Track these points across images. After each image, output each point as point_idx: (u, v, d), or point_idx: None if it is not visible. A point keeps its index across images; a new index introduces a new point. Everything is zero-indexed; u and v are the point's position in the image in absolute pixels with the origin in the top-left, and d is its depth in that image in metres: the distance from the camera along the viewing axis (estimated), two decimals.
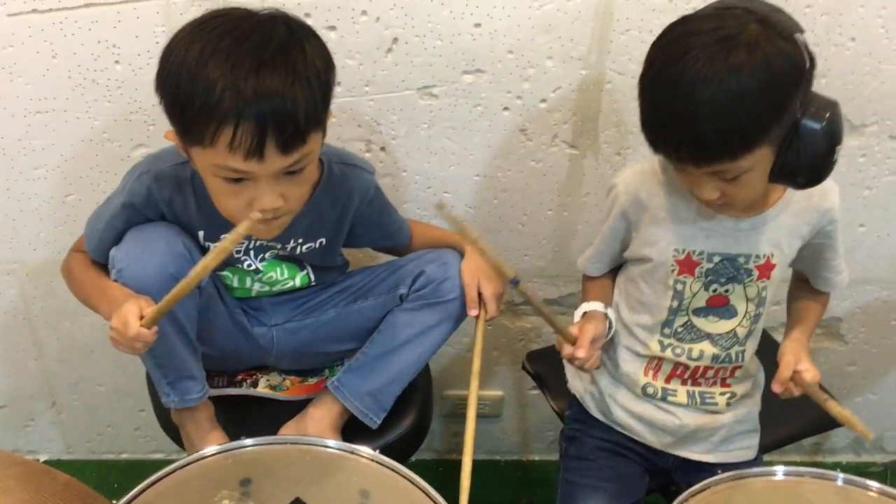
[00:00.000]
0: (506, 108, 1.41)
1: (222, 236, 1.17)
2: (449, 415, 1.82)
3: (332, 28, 1.31)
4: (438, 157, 1.46)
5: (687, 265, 1.16)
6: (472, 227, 0.99)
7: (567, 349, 1.17)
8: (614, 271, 1.30)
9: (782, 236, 1.15)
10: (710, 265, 1.16)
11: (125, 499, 0.99)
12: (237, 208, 1.07)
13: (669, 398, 1.24)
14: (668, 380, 1.24)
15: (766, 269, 1.16)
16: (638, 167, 1.20)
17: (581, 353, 1.15)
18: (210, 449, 1.06)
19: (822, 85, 1.39)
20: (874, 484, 1.09)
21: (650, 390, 1.24)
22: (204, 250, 1.19)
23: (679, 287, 1.18)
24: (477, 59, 1.36)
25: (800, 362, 1.15)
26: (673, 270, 1.17)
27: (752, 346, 1.23)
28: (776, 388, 1.15)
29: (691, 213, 1.15)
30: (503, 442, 1.91)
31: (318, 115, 1.04)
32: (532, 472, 1.92)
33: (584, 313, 1.22)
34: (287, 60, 1.00)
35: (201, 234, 1.18)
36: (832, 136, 1.01)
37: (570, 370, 1.38)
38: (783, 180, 1.05)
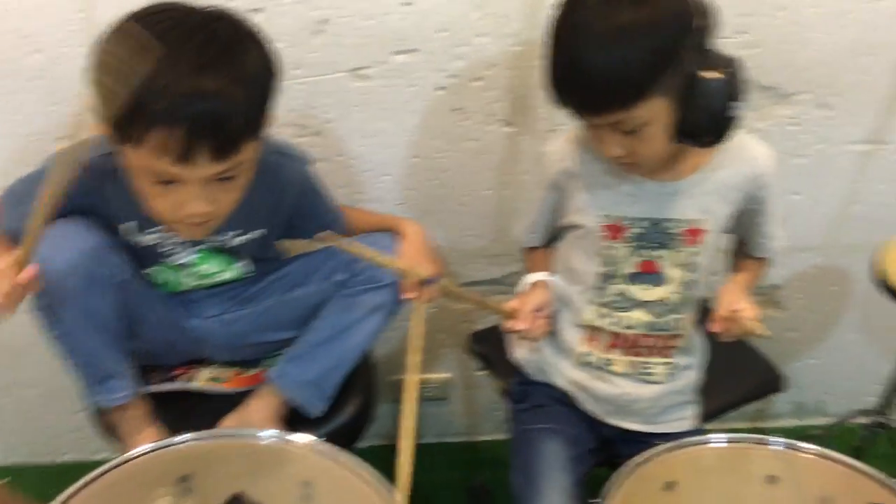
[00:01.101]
0: (440, 88, 1.39)
1: (149, 231, 1.14)
2: (396, 400, 1.79)
3: (258, 10, 1.28)
4: (374, 140, 1.44)
5: (614, 231, 1.17)
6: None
7: (508, 323, 1.18)
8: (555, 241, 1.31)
9: (711, 202, 1.16)
10: (638, 230, 1.16)
11: (58, 500, 0.96)
12: (165, 210, 1.04)
13: (608, 367, 1.25)
14: (607, 350, 1.24)
15: (695, 234, 1.17)
16: (566, 135, 1.21)
17: (521, 325, 1.16)
18: (141, 448, 1.03)
19: (754, 55, 1.41)
20: (811, 447, 1.12)
21: (589, 359, 1.25)
22: (131, 245, 1.15)
23: (608, 253, 1.18)
24: (408, 39, 1.34)
25: (737, 301, 1.15)
26: (602, 236, 1.18)
27: (689, 314, 1.24)
28: (713, 326, 1.15)
29: (617, 179, 1.16)
30: (452, 424, 1.91)
31: (255, 123, 1.01)
32: (482, 452, 1.93)
33: (530, 283, 1.24)
34: (229, 64, 0.96)
35: (128, 226, 1.14)
36: (730, 91, 1.02)
37: (513, 340, 1.37)
38: (687, 139, 1.06)
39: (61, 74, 1.30)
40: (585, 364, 1.26)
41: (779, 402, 1.97)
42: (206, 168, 0.98)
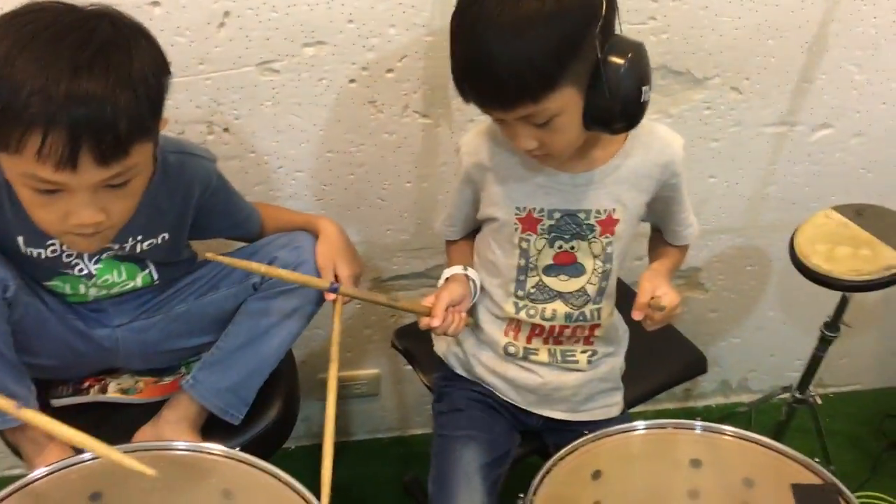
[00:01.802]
0: (352, 81, 1.36)
1: (47, 242, 1.08)
2: (326, 399, 1.78)
3: (157, 4, 1.23)
4: (287, 136, 1.40)
5: (529, 223, 1.16)
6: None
7: (423, 321, 1.16)
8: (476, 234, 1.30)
9: (623, 191, 1.16)
10: (552, 222, 1.16)
11: None
12: (51, 221, 0.99)
13: (531, 357, 1.24)
14: (528, 339, 1.24)
15: (609, 224, 1.17)
16: (478, 128, 1.19)
17: (435, 322, 1.15)
18: (44, 469, 0.98)
19: (664, 40, 1.41)
20: (729, 428, 1.13)
21: (511, 350, 1.24)
22: (25, 258, 1.10)
23: (524, 245, 1.18)
24: (317, 31, 1.30)
25: (657, 288, 1.13)
26: (517, 229, 1.17)
27: (607, 303, 1.24)
28: (635, 314, 1.14)
29: (530, 171, 1.15)
30: (383, 419, 1.89)
31: (143, 124, 0.95)
32: (414, 446, 1.91)
33: (447, 278, 1.22)
34: (108, 63, 0.91)
35: (21, 239, 1.08)
36: (638, 75, 1.01)
37: (438, 339, 1.36)
38: (597, 126, 1.05)
39: None
40: (508, 355, 1.25)
41: (705, 381, 2.00)
42: (91, 174, 0.93)
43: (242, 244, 1.31)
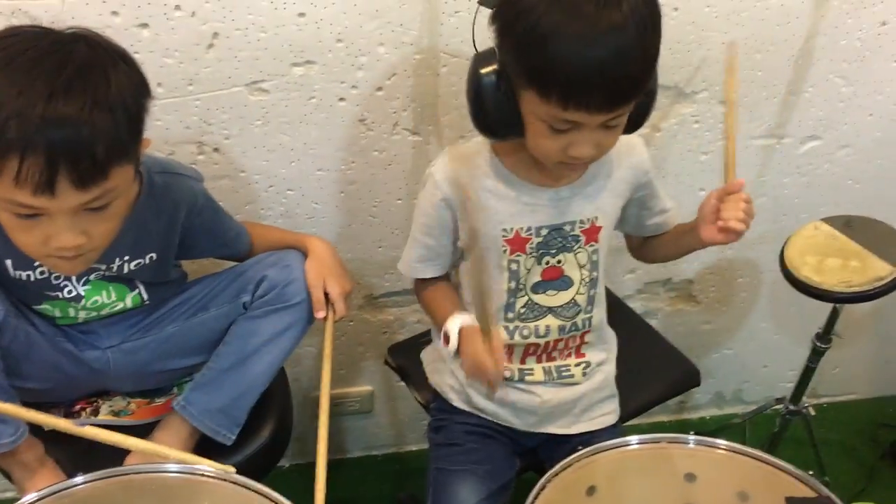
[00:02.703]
0: (342, 99, 1.36)
1: (35, 265, 1.08)
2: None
3: (145, 26, 1.23)
4: (277, 155, 1.40)
5: (517, 243, 1.16)
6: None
7: (479, 359, 1.08)
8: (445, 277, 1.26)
9: (603, 198, 1.18)
10: (539, 239, 1.16)
11: None
12: (33, 245, 0.99)
13: (527, 378, 1.24)
14: (522, 360, 1.24)
15: (593, 232, 1.18)
16: (454, 151, 1.18)
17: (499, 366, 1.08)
18: (35, 494, 0.97)
19: None
20: (722, 442, 1.13)
21: (507, 374, 1.23)
22: (13, 282, 1.10)
23: (514, 267, 1.17)
24: (305, 50, 1.30)
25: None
26: (505, 251, 1.16)
27: (598, 311, 1.24)
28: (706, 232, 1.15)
29: (513, 191, 1.14)
30: (378, 436, 1.88)
31: (122, 147, 0.95)
32: (409, 463, 1.91)
33: (461, 329, 1.14)
34: (85, 86, 0.91)
35: (9, 262, 1.08)
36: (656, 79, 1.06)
37: (428, 366, 1.36)
38: (628, 127, 1.07)
39: None
40: (504, 380, 1.24)
41: (699, 393, 2.00)
42: (70, 198, 0.93)
43: (232, 263, 1.31)
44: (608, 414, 1.30)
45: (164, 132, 1.32)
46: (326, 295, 1.21)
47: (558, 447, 1.25)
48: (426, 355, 1.37)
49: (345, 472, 1.86)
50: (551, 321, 1.21)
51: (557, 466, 1.09)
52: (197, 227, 1.20)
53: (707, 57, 1.45)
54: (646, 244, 1.33)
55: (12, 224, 0.98)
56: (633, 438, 1.13)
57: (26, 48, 0.92)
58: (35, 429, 1.17)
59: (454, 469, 1.25)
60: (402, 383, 1.77)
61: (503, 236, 1.15)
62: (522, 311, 1.20)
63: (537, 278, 1.19)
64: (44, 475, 1.16)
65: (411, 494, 1.80)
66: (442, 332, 1.16)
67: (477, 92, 1.04)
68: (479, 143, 1.17)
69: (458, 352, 1.14)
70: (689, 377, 1.50)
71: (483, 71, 1.03)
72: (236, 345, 1.21)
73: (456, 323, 1.14)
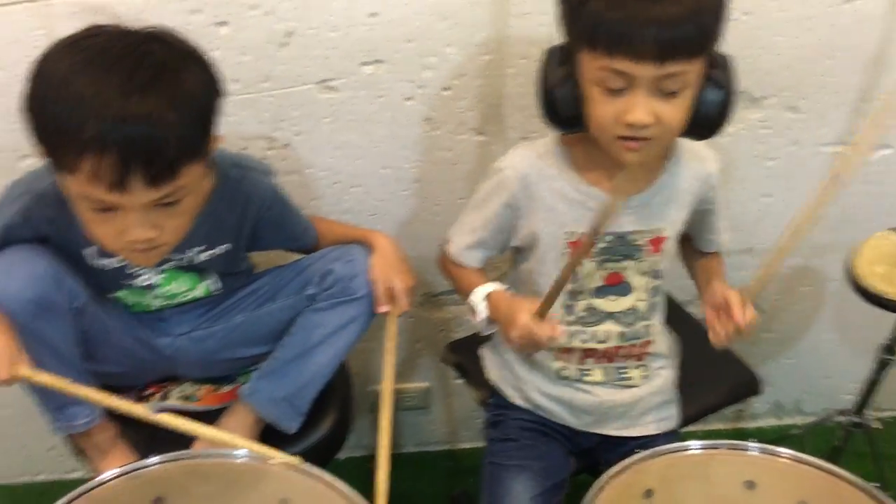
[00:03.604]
0: (409, 98, 1.38)
1: (114, 256, 1.12)
2: (376, 410, 1.80)
3: (223, 24, 1.26)
4: (343, 152, 1.43)
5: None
6: None
7: (533, 326, 1.08)
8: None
9: (669, 209, 1.17)
10: (603, 245, 1.16)
11: None
12: (108, 237, 1.03)
13: (585, 378, 1.25)
14: (581, 360, 1.24)
15: (658, 242, 1.18)
16: (524, 149, 1.18)
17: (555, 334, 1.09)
18: (111, 472, 1.02)
19: None
20: (784, 450, 1.11)
21: (565, 373, 1.24)
22: (92, 269, 1.14)
23: (575, 270, 1.17)
24: (375, 50, 1.33)
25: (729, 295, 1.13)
26: (566, 254, 1.16)
27: (657, 319, 1.24)
28: (716, 337, 1.14)
29: (581, 195, 1.15)
30: (432, 433, 1.90)
31: (192, 146, 0.98)
32: (463, 460, 1.92)
33: (489, 294, 1.17)
34: (159, 87, 0.94)
35: (89, 251, 1.12)
36: (735, 81, 1.05)
37: (488, 361, 1.37)
38: (693, 125, 1.06)
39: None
40: (562, 378, 1.25)
41: (757, 402, 1.97)
42: (141, 195, 0.97)
43: (299, 256, 1.34)
44: (667, 419, 1.30)
45: (238, 127, 1.35)
46: (390, 290, 1.23)
47: (615, 449, 1.25)
48: (485, 351, 1.38)
49: (399, 467, 1.86)
50: (611, 327, 1.21)
51: (616, 468, 1.09)
52: (267, 220, 1.23)
53: (777, 62, 1.43)
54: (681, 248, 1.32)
55: (90, 217, 1.02)
56: (693, 443, 1.12)
57: (105, 48, 0.96)
58: (108, 411, 1.22)
59: (509, 464, 1.26)
60: (458, 381, 1.79)
61: (566, 239, 1.16)
62: (583, 314, 1.20)
63: (599, 283, 1.19)
64: (116, 456, 1.21)
65: (465, 491, 1.82)
66: (469, 305, 1.19)
67: (543, 78, 1.06)
68: (548, 144, 1.17)
69: (490, 321, 1.17)
70: (749, 385, 1.48)
71: (548, 57, 1.06)
72: (301, 336, 1.24)
73: (482, 292, 1.17)
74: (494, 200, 1.18)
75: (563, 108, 1.06)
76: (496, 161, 1.20)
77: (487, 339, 1.39)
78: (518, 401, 1.30)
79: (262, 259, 1.38)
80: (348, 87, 1.36)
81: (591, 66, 1.00)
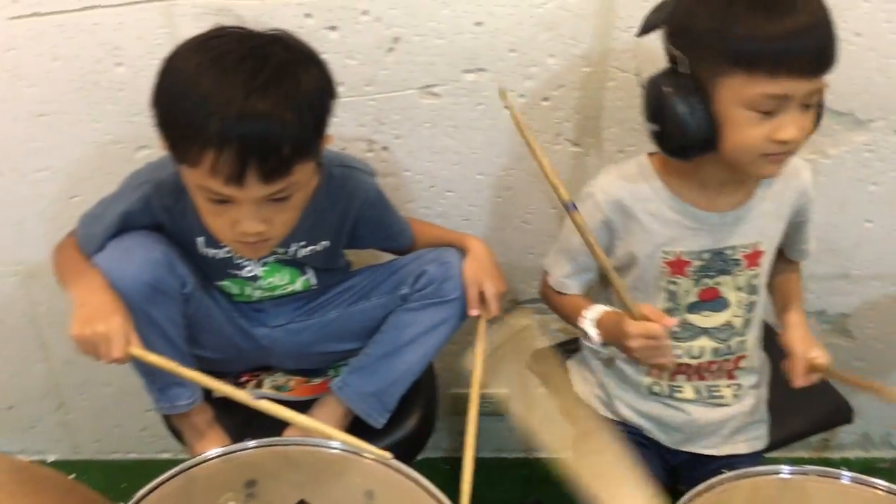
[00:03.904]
0: (507, 107, 1.40)
1: (222, 244, 1.17)
2: (455, 413, 1.82)
3: (334, 28, 1.31)
4: (441, 157, 1.46)
5: (677, 266, 1.16)
6: (531, 132, 0.99)
7: (642, 325, 1.07)
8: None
9: (767, 222, 1.17)
10: (701, 262, 1.15)
11: (132, 501, 1.00)
12: (221, 227, 1.08)
13: (676, 395, 1.24)
14: (672, 377, 1.23)
15: (755, 257, 1.17)
16: (615, 172, 1.18)
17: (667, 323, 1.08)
18: (214, 451, 1.07)
19: (829, 79, 1.38)
20: (882, 482, 1.08)
21: (656, 389, 1.24)
22: (202, 258, 1.19)
23: (672, 288, 1.17)
24: (478, 58, 1.35)
25: (810, 349, 1.17)
26: (663, 272, 1.16)
27: (752, 335, 1.22)
28: (798, 382, 1.16)
29: (677, 214, 1.14)
30: (509, 440, 1.91)
31: (306, 145, 1.02)
32: (538, 470, 1.90)
33: (597, 319, 1.17)
34: (279, 87, 0.99)
35: (201, 240, 1.18)
36: None
37: (575, 375, 1.37)
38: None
39: (143, 87, 1.32)
40: (652, 394, 1.25)
41: (845, 432, 1.91)
42: (256, 190, 1.01)
43: (392, 256, 1.37)
44: (757, 439, 1.28)
45: (340, 129, 1.39)
46: (481, 294, 1.25)
47: (700, 467, 1.24)
48: (572, 365, 1.39)
49: (475, 471, 1.89)
50: (705, 342, 1.20)
51: (701, 486, 1.08)
52: (367, 219, 1.27)
53: (886, 85, 1.40)
54: None
55: (206, 207, 1.07)
56: (784, 468, 1.11)
57: (231, 49, 1.01)
58: (205, 395, 1.27)
59: None
60: (539, 389, 1.80)
61: (663, 259, 1.15)
62: (676, 330, 1.20)
63: (694, 299, 1.18)
64: (211, 438, 1.26)
65: (539, 500, 1.82)
66: (580, 329, 1.19)
67: (664, 111, 1.04)
68: (639, 164, 1.17)
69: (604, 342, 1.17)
70: (840, 413, 1.44)
71: (669, 88, 1.03)
72: (393, 334, 1.27)
73: (591, 317, 1.17)
74: (589, 223, 1.17)
75: (696, 138, 1.04)
76: (586, 186, 1.20)
77: (574, 351, 1.39)
78: (607, 414, 1.30)
79: (356, 258, 1.42)
80: (450, 94, 1.38)
81: (745, 91, 0.99)
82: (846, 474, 1.10)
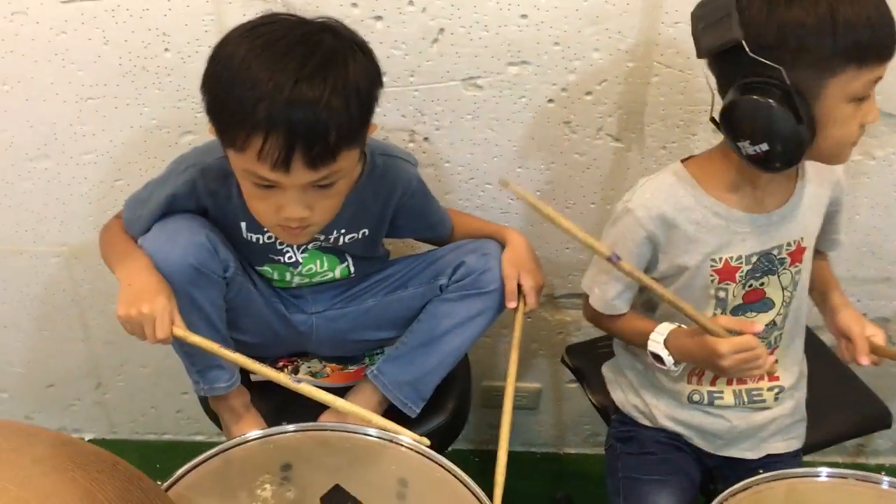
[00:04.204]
0: (550, 101, 1.40)
1: (265, 229, 1.18)
2: (486, 405, 1.83)
3: (379, 18, 1.31)
4: (482, 149, 1.46)
5: (726, 272, 1.14)
6: (545, 204, 0.93)
7: (734, 342, 1.05)
8: None
9: (808, 217, 1.16)
10: (749, 266, 1.14)
11: (170, 480, 1.02)
12: (265, 212, 1.09)
13: (716, 402, 1.22)
14: (713, 382, 1.22)
15: (798, 253, 1.16)
16: (653, 185, 1.14)
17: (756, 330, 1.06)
18: (252, 434, 1.08)
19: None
20: None
21: (696, 397, 1.22)
22: (245, 242, 1.21)
23: (721, 295, 1.15)
24: (523, 51, 1.35)
25: (866, 329, 1.17)
26: (713, 280, 1.14)
27: (789, 327, 1.21)
28: (865, 361, 1.16)
29: (723, 221, 1.12)
30: (539, 434, 1.91)
31: (352, 133, 1.03)
32: (567, 465, 1.92)
33: (667, 340, 1.13)
34: (326, 76, 0.99)
35: (244, 225, 1.19)
36: None
37: (610, 382, 1.35)
38: None
39: (189, 72, 1.36)
40: (692, 402, 1.23)
41: (881, 438, 1.89)
42: (302, 175, 1.02)
43: (432, 247, 1.38)
44: (794, 438, 1.27)
45: (382, 118, 1.40)
46: (519, 287, 1.25)
47: (738, 467, 1.23)
48: (607, 372, 1.36)
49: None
50: None
51: (737, 486, 1.07)
52: (408, 208, 1.27)
53: None
54: None
55: (251, 192, 1.08)
56: (822, 470, 1.10)
57: (281, 36, 1.02)
58: (243, 379, 1.29)
59: (650, 479, 1.24)
60: (571, 385, 1.80)
61: (712, 266, 1.13)
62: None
63: (739, 301, 1.17)
64: (248, 421, 1.27)
65: (567, 496, 1.82)
66: (649, 354, 1.15)
67: (777, 130, 0.98)
68: (675, 174, 1.14)
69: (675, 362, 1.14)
70: (879, 418, 1.42)
71: (777, 106, 0.97)
72: (430, 324, 1.27)
73: (659, 338, 1.13)
74: (631, 241, 1.14)
75: (805, 146, 1.00)
76: (621, 202, 1.16)
77: (608, 348, 1.38)
78: (645, 422, 1.28)
79: (394, 248, 1.43)
80: (493, 87, 1.38)
81: (856, 82, 0.98)
82: (885, 479, 1.08)
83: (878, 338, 1.16)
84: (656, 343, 1.14)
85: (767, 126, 0.98)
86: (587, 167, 1.48)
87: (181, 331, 1.08)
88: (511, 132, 1.44)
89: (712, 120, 1.08)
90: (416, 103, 1.40)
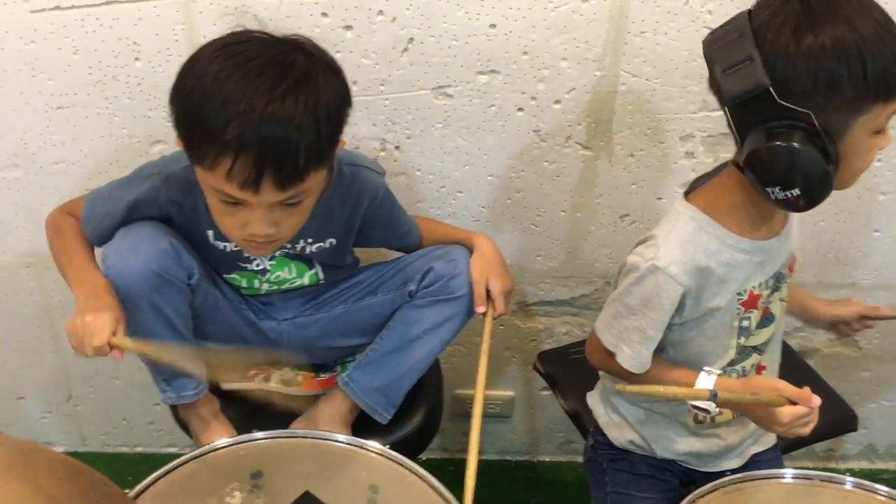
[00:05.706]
0: (520, 109, 1.42)
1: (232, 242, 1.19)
2: (459, 414, 1.83)
3: (349, 28, 1.32)
4: (452, 157, 1.47)
5: (750, 302, 1.13)
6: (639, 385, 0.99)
7: (793, 412, 1.05)
8: None
9: (796, 227, 1.18)
10: (767, 290, 1.15)
11: (137, 488, 1.01)
12: (231, 227, 1.10)
13: (716, 421, 1.22)
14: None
15: (793, 263, 1.19)
16: (677, 237, 1.09)
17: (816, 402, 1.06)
18: (221, 441, 1.08)
19: None
20: (882, 488, 1.09)
21: (700, 417, 1.20)
22: (212, 250, 1.21)
23: (745, 324, 1.14)
24: (492, 60, 1.36)
25: (851, 302, 1.31)
26: (738, 312, 1.13)
27: (777, 334, 1.22)
28: (887, 311, 1.30)
29: (746, 254, 1.10)
30: (513, 442, 1.92)
31: (321, 154, 1.04)
32: (542, 472, 1.93)
33: (717, 393, 1.07)
34: (298, 96, 1.00)
35: (210, 233, 1.19)
36: None
37: (602, 417, 1.29)
38: None
39: (160, 82, 1.36)
40: (697, 423, 1.21)
41: (849, 442, 1.92)
42: (270, 195, 1.03)
43: (400, 254, 1.38)
44: (766, 435, 1.27)
45: (353, 128, 1.40)
46: (488, 292, 1.26)
47: (711, 473, 1.24)
48: (594, 403, 1.32)
49: (478, 472, 1.90)
50: (755, 359, 1.18)
51: (706, 486, 1.08)
52: (376, 218, 1.28)
53: None
54: None
55: (217, 208, 1.09)
56: (788, 472, 1.12)
57: (254, 56, 1.02)
58: (212, 387, 1.29)
59: (641, 496, 1.23)
60: (544, 392, 1.81)
61: (738, 299, 1.12)
62: (736, 357, 1.17)
63: (755, 325, 1.17)
64: (217, 428, 1.27)
65: (541, 503, 1.83)
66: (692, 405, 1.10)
67: (811, 175, 0.97)
68: (691, 220, 1.09)
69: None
70: (844, 421, 1.45)
71: (811, 151, 0.95)
72: (399, 330, 1.28)
73: (704, 393, 1.05)
74: (666, 299, 1.09)
75: (829, 187, 1.00)
76: (643, 259, 1.09)
77: (580, 362, 1.31)
78: (644, 454, 1.26)
79: (364, 255, 1.43)
80: (462, 95, 1.40)
81: (878, 118, 0.98)
82: (849, 479, 1.10)
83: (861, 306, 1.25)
84: (703, 401, 1.06)
85: (799, 171, 0.97)
86: (557, 175, 1.50)
87: (118, 339, 1.06)
88: (481, 140, 1.45)
89: (735, 164, 1.06)
90: (386, 112, 1.41)
